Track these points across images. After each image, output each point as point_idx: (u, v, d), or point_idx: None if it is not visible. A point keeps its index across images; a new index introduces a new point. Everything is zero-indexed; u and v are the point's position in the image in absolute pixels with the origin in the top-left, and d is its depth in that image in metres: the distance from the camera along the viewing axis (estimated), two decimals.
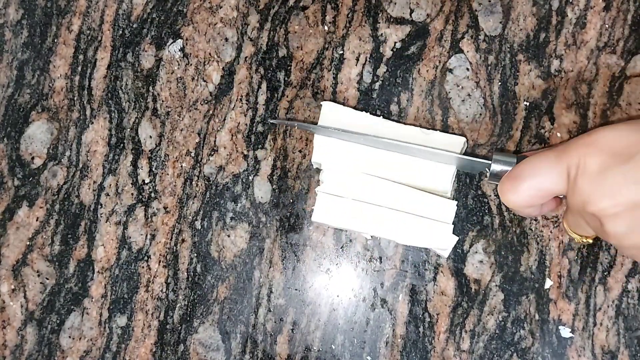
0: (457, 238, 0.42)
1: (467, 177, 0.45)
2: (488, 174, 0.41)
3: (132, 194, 0.47)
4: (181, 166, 0.47)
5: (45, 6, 0.50)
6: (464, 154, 0.42)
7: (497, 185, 0.40)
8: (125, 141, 0.48)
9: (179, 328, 0.46)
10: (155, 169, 0.48)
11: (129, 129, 0.48)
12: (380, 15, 0.48)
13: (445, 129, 0.46)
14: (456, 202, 0.43)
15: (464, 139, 0.43)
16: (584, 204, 0.33)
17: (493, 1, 0.47)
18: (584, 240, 0.40)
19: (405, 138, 0.43)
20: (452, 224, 0.42)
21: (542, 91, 0.45)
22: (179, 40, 0.49)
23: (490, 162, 0.40)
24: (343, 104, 0.46)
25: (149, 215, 0.47)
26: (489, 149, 0.45)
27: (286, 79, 0.48)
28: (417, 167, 0.43)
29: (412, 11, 0.47)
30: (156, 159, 0.48)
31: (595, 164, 0.32)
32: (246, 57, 0.48)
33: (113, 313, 0.46)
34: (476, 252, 0.44)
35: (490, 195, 0.45)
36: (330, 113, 0.44)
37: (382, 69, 0.47)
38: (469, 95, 0.46)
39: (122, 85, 0.49)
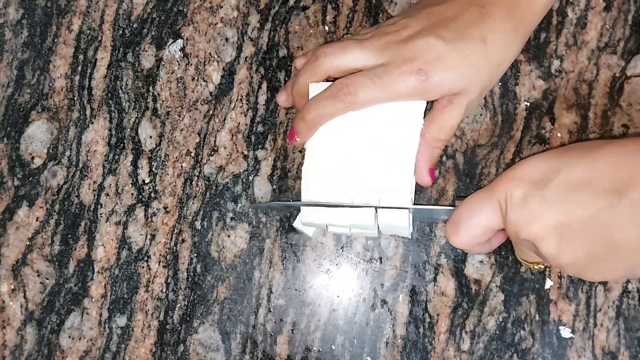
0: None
1: (467, 177, 0.45)
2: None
3: (132, 194, 0.47)
4: (181, 166, 0.47)
5: (46, 6, 0.50)
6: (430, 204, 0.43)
7: None
8: (125, 141, 0.48)
9: (179, 328, 0.46)
10: (155, 169, 0.48)
11: (129, 129, 0.48)
12: (380, 15, 0.48)
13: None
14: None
15: (423, 102, 0.41)
16: (517, 233, 0.35)
17: None
18: (536, 267, 0.43)
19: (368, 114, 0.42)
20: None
21: (543, 91, 0.45)
22: (179, 40, 0.49)
23: (453, 208, 0.40)
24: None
25: (149, 215, 0.47)
26: (489, 149, 0.45)
27: (286, 79, 0.48)
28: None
29: None
30: (156, 159, 0.48)
31: (519, 194, 0.35)
32: (246, 57, 0.48)
33: (113, 313, 0.46)
34: None
35: None
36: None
37: None
38: None
39: (122, 85, 0.49)
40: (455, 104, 0.41)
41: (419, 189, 0.45)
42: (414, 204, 0.42)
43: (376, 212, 0.41)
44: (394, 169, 0.41)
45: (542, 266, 0.42)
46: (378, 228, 0.43)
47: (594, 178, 0.33)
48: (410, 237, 0.45)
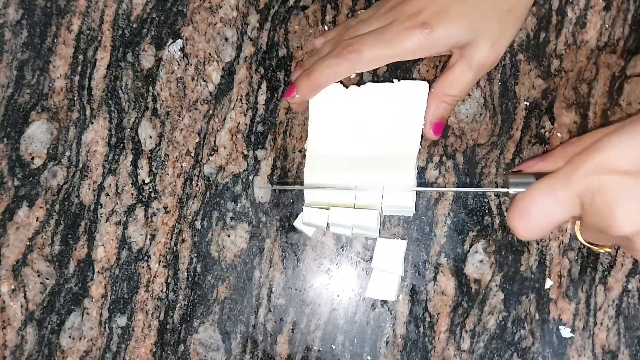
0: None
1: (467, 177, 0.45)
2: (508, 201, 0.38)
3: (132, 194, 0.47)
4: (181, 166, 0.47)
5: (45, 6, 0.50)
6: (480, 187, 0.41)
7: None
8: (125, 141, 0.48)
9: (179, 328, 0.46)
10: (155, 169, 0.48)
11: (129, 129, 0.48)
12: None
13: (446, 128, 0.46)
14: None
15: (426, 84, 0.42)
16: (608, 227, 0.31)
17: None
18: (601, 251, 0.39)
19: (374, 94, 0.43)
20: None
21: (542, 91, 0.45)
22: (179, 40, 0.49)
23: (507, 189, 0.38)
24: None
25: (149, 215, 0.47)
26: (489, 149, 0.45)
27: (286, 79, 0.48)
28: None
29: None
30: (156, 159, 0.48)
31: (610, 187, 0.31)
32: (246, 57, 0.48)
33: (113, 313, 0.46)
34: (476, 251, 0.44)
35: (490, 195, 0.45)
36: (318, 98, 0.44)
37: (382, 69, 0.47)
38: (469, 95, 0.46)
39: (122, 85, 0.49)
40: (465, 58, 0.40)
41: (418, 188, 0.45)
42: (461, 185, 0.43)
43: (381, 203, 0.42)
44: (397, 155, 0.42)
45: (609, 249, 0.39)
46: (379, 228, 0.43)
47: None
48: (412, 215, 0.45)
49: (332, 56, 0.41)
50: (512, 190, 0.37)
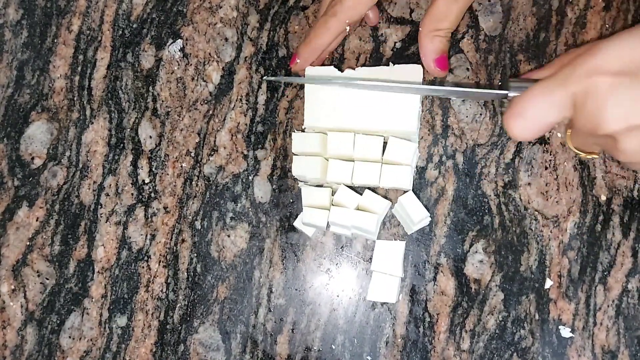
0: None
1: (467, 177, 0.45)
2: (506, 104, 0.40)
3: (132, 194, 0.47)
4: (181, 166, 0.47)
5: (45, 6, 0.50)
6: (481, 87, 0.43)
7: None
8: (125, 141, 0.48)
9: (179, 328, 0.46)
10: (155, 169, 0.48)
11: (129, 129, 0.48)
12: (380, 15, 0.48)
13: (445, 129, 0.46)
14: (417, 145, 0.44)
15: (420, 66, 0.42)
16: (597, 126, 0.33)
17: (493, 1, 0.47)
18: (590, 157, 0.40)
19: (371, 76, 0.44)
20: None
21: None
22: (179, 40, 0.49)
23: (507, 92, 0.39)
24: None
25: (149, 215, 0.47)
26: (489, 149, 0.45)
27: None
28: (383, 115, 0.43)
29: (412, 11, 0.47)
30: (156, 159, 0.48)
31: (604, 87, 0.32)
32: (246, 57, 0.48)
33: (113, 313, 0.46)
34: (476, 251, 0.44)
35: (490, 195, 0.45)
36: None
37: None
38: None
39: (122, 85, 0.49)
40: None
41: (418, 188, 0.45)
42: (459, 85, 0.44)
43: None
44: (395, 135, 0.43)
45: (597, 156, 0.40)
46: (379, 230, 0.43)
47: None
48: (416, 168, 0.45)
49: (320, 17, 0.44)
50: (511, 93, 0.39)
